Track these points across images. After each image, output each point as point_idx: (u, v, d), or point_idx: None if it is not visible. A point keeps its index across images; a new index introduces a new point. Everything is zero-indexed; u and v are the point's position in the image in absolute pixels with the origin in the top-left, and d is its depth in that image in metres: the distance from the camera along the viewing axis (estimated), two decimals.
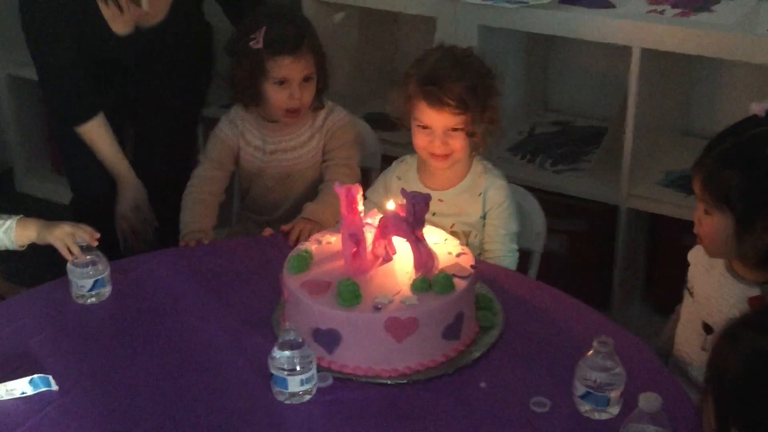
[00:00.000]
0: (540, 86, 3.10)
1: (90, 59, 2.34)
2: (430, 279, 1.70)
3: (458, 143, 2.05)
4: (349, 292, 1.66)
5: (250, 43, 2.19)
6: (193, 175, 2.34)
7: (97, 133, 2.38)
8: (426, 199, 1.73)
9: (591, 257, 2.81)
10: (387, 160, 2.35)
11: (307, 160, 2.33)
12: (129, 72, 2.42)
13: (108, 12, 2.31)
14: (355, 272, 1.73)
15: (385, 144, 2.75)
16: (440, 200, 2.12)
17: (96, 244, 1.92)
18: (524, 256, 2.25)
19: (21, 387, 1.66)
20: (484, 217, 2.12)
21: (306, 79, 2.22)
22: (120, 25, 2.35)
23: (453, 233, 2.09)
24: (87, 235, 1.93)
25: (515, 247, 2.14)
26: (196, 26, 2.48)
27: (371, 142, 2.59)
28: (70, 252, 1.91)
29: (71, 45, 2.30)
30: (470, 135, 2.04)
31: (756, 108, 1.66)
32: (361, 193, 1.77)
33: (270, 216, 2.37)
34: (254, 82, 2.23)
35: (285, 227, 2.13)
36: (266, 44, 2.19)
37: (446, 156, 2.07)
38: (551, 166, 2.83)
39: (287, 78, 2.21)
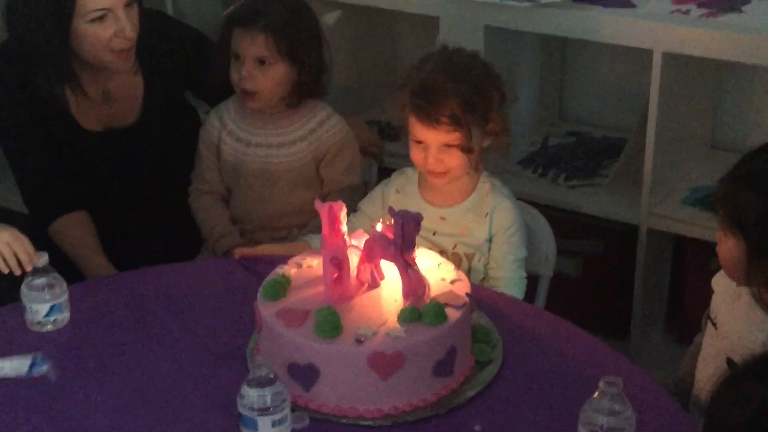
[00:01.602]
0: (554, 93, 3.07)
1: (64, 158, 2.33)
2: (420, 309, 1.65)
3: (455, 161, 2.00)
4: (329, 322, 1.61)
5: (224, 11, 2.24)
6: (192, 177, 2.39)
7: (71, 230, 2.31)
8: (416, 219, 1.67)
9: (608, 282, 2.78)
10: (386, 173, 2.31)
11: (293, 161, 2.30)
12: (110, 175, 2.40)
13: (76, 107, 2.30)
14: (336, 300, 1.68)
15: (384, 155, 2.70)
16: (442, 218, 2.08)
17: (30, 268, 1.86)
18: (531, 281, 2.20)
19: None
20: (489, 240, 2.08)
21: (261, 62, 2.21)
22: (89, 121, 2.33)
23: (455, 255, 2.07)
24: (24, 254, 1.87)
25: (523, 273, 2.10)
26: (179, 119, 2.47)
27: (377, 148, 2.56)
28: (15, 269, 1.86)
29: (40, 140, 2.29)
30: (467, 152, 1.99)
31: None
32: (344, 211, 1.72)
33: (252, 222, 2.37)
34: (223, 55, 2.26)
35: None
36: (229, 14, 2.23)
37: (443, 173, 2.02)
38: (565, 181, 2.80)
39: (238, 52, 2.22)
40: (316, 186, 2.34)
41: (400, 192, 2.14)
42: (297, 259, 1.83)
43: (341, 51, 3.02)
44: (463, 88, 1.96)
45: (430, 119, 1.96)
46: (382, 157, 2.56)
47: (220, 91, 2.35)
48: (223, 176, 2.37)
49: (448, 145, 1.98)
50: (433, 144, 1.99)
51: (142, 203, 2.44)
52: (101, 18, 2.16)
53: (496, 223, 2.06)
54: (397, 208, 2.00)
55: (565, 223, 2.66)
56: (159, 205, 2.46)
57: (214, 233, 2.31)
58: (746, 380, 1.18)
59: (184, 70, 2.42)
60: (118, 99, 2.35)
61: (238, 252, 2.11)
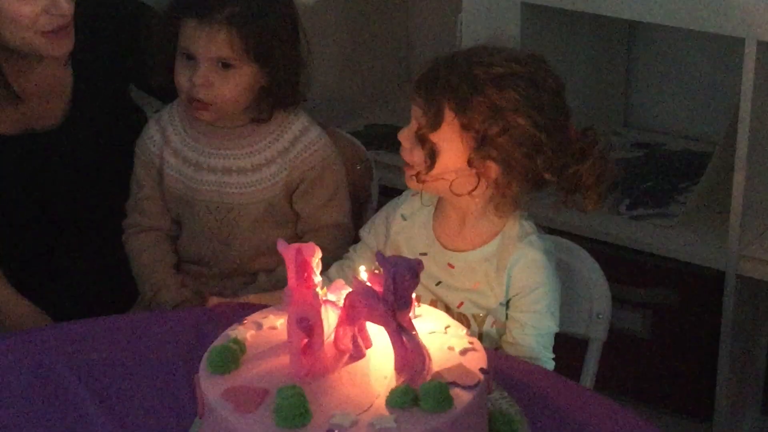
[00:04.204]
0: (616, 93, 3.10)
1: None
2: (417, 389, 1.59)
3: (415, 156, 1.98)
4: (293, 406, 1.55)
5: None
6: (127, 208, 2.38)
7: None
8: (412, 268, 1.62)
9: (685, 345, 2.77)
10: (388, 194, 2.33)
11: (258, 192, 2.29)
12: (25, 192, 2.42)
13: None
14: (304, 376, 1.64)
15: (388, 171, 2.74)
16: (451, 265, 2.06)
17: None
18: (579, 346, 2.18)
19: None
20: (505, 304, 2.05)
21: (225, 65, 2.18)
22: (3, 124, 2.33)
23: (460, 315, 2.06)
24: None
25: (550, 353, 2.06)
26: (118, 122, 2.47)
27: (365, 169, 2.56)
28: None
29: None
30: (427, 148, 1.95)
31: None
32: (318, 256, 1.67)
33: (210, 267, 2.37)
34: (163, 53, 2.23)
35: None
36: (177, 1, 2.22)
37: (410, 167, 2.00)
38: (628, 209, 2.80)
39: (192, 52, 2.19)
40: (291, 223, 2.33)
41: (407, 219, 2.13)
42: (256, 317, 1.79)
43: (333, 37, 3.06)
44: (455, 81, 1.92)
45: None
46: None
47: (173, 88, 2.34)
48: (168, 207, 2.36)
49: (419, 135, 1.95)
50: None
51: (64, 232, 2.44)
52: None
53: (515, 283, 2.03)
54: (401, 240, 2.10)
55: (628, 267, 2.67)
56: (87, 236, 2.46)
57: (148, 285, 2.30)
58: None
59: (125, 57, 2.41)
60: (39, 95, 2.34)
61: (214, 300, 2.12)
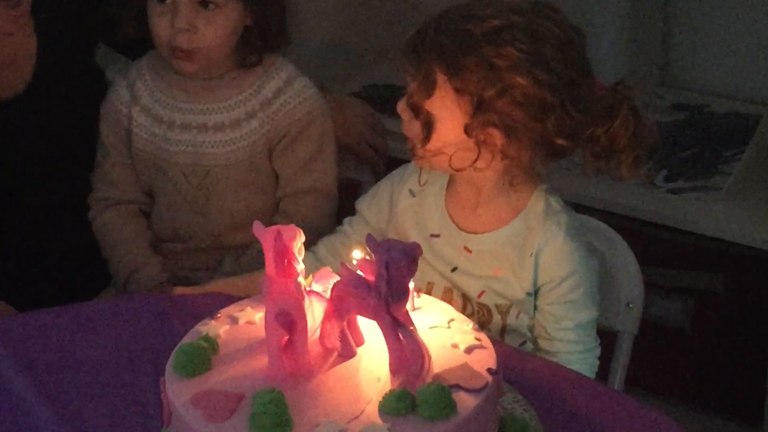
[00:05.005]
0: (653, 47, 3.09)
1: None
2: (414, 393, 1.57)
3: (413, 129, 1.97)
4: (272, 413, 1.54)
5: None
6: (92, 180, 2.42)
7: None
8: (408, 254, 1.60)
9: (731, 336, 2.77)
10: (390, 165, 2.32)
11: (237, 150, 2.32)
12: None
13: None
14: (285, 378, 1.62)
15: (391, 138, 2.72)
16: (467, 249, 2.06)
17: None
18: (607, 339, 2.16)
19: None
20: (533, 294, 2.03)
21: (204, 4, 2.21)
22: None
23: (481, 306, 2.06)
24: None
25: (593, 342, 2.07)
26: (86, 88, 2.50)
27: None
28: None
29: None
30: (422, 118, 1.94)
31: None
32: (300, 239, 1.65)
33: (184, 242, 2.40)
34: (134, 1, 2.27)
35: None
36: None
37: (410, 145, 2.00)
38: (666, 181, 2.81)
39: None
40: (274, 186, 2.35)
41: (416, 196, 2.13)
42: (231, 310, 1.78)
43: None
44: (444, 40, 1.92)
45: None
46: (380, 162, 2.58)
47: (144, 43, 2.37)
48: (138, 175, 2.37)
49: (412, 104, 1.95)
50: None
51: (27, 210, 2.47)
52: None
53: (544, 271, 2.02)
54: (408, 219, 2.11)
55: (664, 248, 2.67)
56: (52, 214, 2.49)
57: (122, 265, 2.32)
58: None
59: (92, 14, 2.44)
60: (1, 65, 2.38)
61: (179, 291, 2.13)
